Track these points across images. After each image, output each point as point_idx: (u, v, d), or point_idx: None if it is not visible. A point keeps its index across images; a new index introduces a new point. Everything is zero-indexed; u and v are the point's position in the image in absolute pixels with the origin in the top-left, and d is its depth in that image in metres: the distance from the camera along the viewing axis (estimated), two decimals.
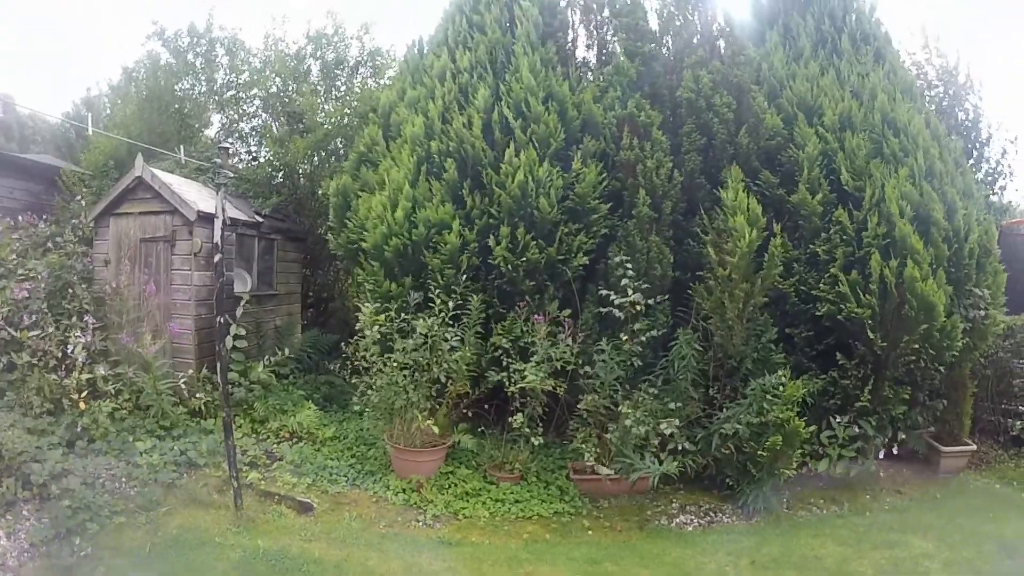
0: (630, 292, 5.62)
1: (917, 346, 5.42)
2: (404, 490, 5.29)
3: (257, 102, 9.63)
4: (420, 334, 5.48)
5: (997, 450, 6.60)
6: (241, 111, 9.63)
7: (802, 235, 5.96)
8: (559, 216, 5.97)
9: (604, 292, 5.79)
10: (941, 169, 5.88)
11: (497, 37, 6.79)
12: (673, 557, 4.45)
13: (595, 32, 7.64)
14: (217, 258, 4.73)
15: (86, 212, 7.33)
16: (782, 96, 6.34)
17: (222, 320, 4.80)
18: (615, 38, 7.40)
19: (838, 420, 5.58)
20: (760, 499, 5.17)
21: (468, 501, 5.19)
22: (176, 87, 9.39)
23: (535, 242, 5.82)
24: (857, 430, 5.59)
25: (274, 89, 9.38)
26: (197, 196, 6.81)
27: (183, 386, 6.17)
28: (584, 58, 7.81)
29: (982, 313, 5.75)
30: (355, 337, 5.77)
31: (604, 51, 7.71)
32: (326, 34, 9.60)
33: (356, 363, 5.72)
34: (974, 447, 6.30)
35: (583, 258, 6.00)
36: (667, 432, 5.19)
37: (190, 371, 6.39)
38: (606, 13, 7.53)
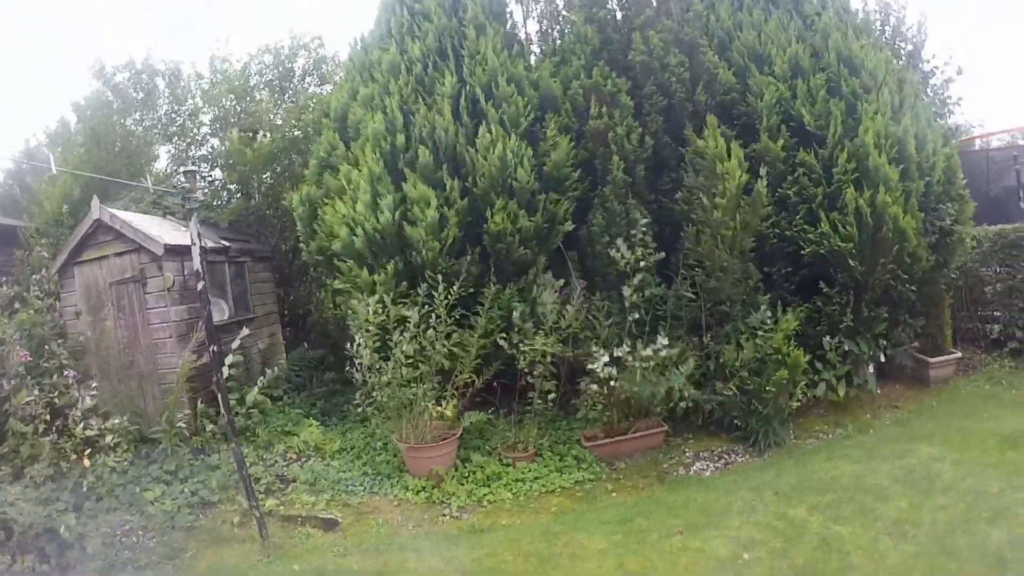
0: (629, 251, 5.74)
1: (893, 266, 5.62)
2: (423, 488, 5.28)
3: (205, 129, 9.36)
4: (418, 317, 5.44)
5: (981, 354, 6.92)
6: (190, 139, 9.35)
7: (769, 181, 6.07)
8: (536, 185, 5.99)
9: (614, 253, 5.84)
10: (906, 103, 6.05)
11: (443, 23, 6.70)
12: (699, 502, 4.55)
13: (535, 7, 7.61)
14: (200, 286, 4.61)
15: (48, 265, 7.07)
16: (731, 48, 6.41)
17: (215, 349, 4.70)
18: (564, 10, 7.38)
19: (828, 339, 5.73)
20: (770, 434, 5.33)
21: (489, 486, 5.22)
22: (120, 123, 9.05)
23: (522, 210, 5.85)
24: (846, 348, 5.78)
25: (221, 113, 9.12)
26: (160, 230, 6.61)
27: (183, 425, 6.03)
28: (528, 36, 7.79)
29: (947, 223, 5.94)
30: (355, 344, 5.70)
31: (543, 24, 7.69)
32: (278, 47, 9.39)
33: (353, 370, 5.64)
34: (959, 354, 6.58)
35: (569, 226, 6.06)
36: (664, 356, 5.35)
37: (185, 410, 6.24)
38: None
